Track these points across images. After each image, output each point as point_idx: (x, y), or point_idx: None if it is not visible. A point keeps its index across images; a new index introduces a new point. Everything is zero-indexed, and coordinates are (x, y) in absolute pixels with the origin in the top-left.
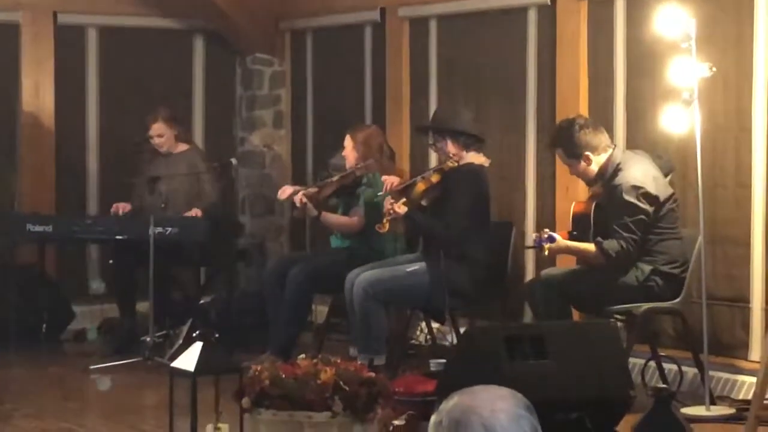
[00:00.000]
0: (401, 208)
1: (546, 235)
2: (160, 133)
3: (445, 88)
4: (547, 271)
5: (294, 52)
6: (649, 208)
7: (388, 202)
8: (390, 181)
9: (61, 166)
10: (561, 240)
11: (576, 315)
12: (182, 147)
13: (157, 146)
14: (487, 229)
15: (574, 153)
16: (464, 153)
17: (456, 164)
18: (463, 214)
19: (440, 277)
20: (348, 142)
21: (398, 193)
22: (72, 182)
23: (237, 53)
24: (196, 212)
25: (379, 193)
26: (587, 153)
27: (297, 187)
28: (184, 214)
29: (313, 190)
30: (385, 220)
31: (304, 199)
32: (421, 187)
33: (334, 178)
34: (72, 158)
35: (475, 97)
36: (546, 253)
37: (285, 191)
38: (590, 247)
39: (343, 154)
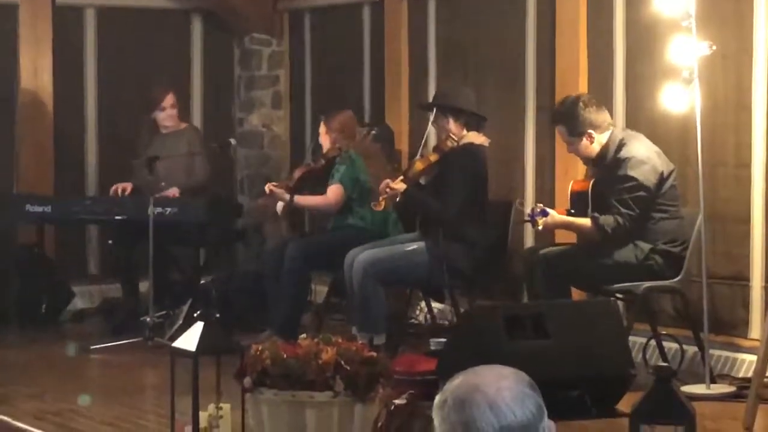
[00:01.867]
0: (399, 185)
1: (539, 209)
2: (173, 104)
3: (444, 68)
4: (545, 250)
5: (292, 32)
6: (652, 185)
7: (384, 182)
8: (383, 186)
9: (59, 147)
10: (555, 215)
11: (576, 294)
12: (183, 125)
13: (165, 119)
14: (484, 209)
15: (577, 131)
16: (464, 132)
17: (455, 143)
18: (460, 194)
19: (439, 256)
20: (322, 128)
21: (396, 172)
22: (71, 163)
23: (235, 33)
24: (173, 192)
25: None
26: (590, 131)
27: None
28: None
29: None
30: (381, 198)
31: (271, 187)
32: (419, 165)
33: (304, 167)
34: (70, 139)
35: (475, 77)
36: (540, 227)
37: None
38: (586, 222)
39: (320, 140)
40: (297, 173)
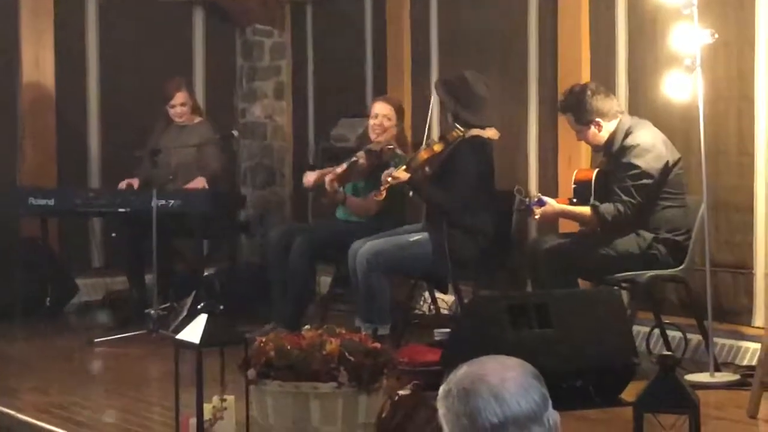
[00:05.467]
0: (401, 174)
1: (536, 199)
2: (184, 102)
3: (446, 58)
4: (549, 239)
5: (294, 23)
6: (656, 173)
7: (386, 172)
8: (386, 175)
9: (62, 139)
10: (554, 204)
11: (580, 283)
12: (197, 119)
13: (176, 116)
14: (490, 201)
15: (585, 119)
16: (471, 122)
17: (462, 134)
18: (465, 186)
19: (443, 247)
20: (385, 109)
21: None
22: (74, 155)
23: (237, 24)
24: (200, 181)
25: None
26: (598, 119)
27: (319, 172)
28: (188, 185)
29: (339, 170)
30: (382, 188)
31: (335, 185)
32: (423, 155)
33: (361, 160)
34: (73, 131)
35: (477, 67)
36: (537, 217)
37: (309, 179)
38: (585, 210)
39: (383, 124)
40: (356, 173)
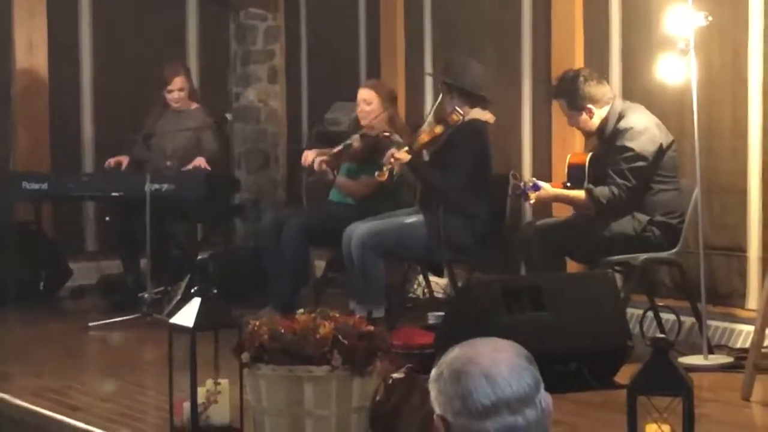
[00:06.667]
0: (403, 155)
1: (531, 184)
2: (181, 87)
3: (440, 42)
4: (541, 222)
5: (288, 7)
6: (650, 155)
7: (389, 152)
8: (388, 156)
9: (55, 123)
10: (549, 188)
11: (573, 266)
12: (194, 105)
13: (172, 101)
14: (487, 184)
15: (577, 105)
16: (468, 108)
17: (461, 118)
18: (463, 170)
19: (438, 230)
20: (369, 94)
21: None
22: (67, 140)
23: (230, 8)
24: (200, 161)
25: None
26: (590, 105)
27: (318, 151)
28: (189, 166)
29: (334, 151)
30: (384, 168)
31: (324, 166)
32: (424, 137)
33: (356, 143)
34: (66, 116)
35: (470, 51)
36: (531, 201)
37: (308, 158)
38: (580, 194)
39: (363, 108)
40: (349, 156)
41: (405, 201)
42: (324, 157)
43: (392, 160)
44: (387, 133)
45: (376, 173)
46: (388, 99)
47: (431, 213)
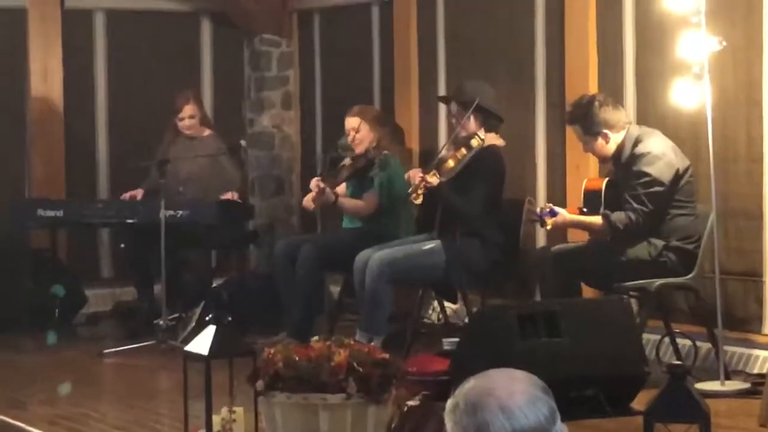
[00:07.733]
0: (433, 179)
1: (548, 209)
2: (192, 114)
3: (454, 65)
4: (557, 247)
5: (301, 33)
6: (667, 181)
7: (418, 175)
8: (414, 174)
9: (70, 150)
10: (566, 214)
11: (589, 292)
12: (206, 132)
13: (184, 128)
14: (500, 210)
15: (593, 130)
16: (483, 132)
17: (482, 143)
18: (485, 195)
19: (457, 256)
20: (356, 122)
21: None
22: (82, 166)
23: (244, 34)
24: (233, 195)
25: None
26: (605, 131)
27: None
28: (221, 197)
29: (329, 177)
30: (419, 191)
31: (322, 184)
32: (450, 163)
33: (346, 162)
34: (81, 143)
35: (484, 74)
36: (548, 227)
37: (311, 183)
38: (597, 219)
39: (354, 136)
40: (345, 173)
41: (410, 223)
42: (320, 178)
43: (423, 184)
44: (374, 146)
45: (412, 196)
46: (375, 121)
47: (450, 239)
